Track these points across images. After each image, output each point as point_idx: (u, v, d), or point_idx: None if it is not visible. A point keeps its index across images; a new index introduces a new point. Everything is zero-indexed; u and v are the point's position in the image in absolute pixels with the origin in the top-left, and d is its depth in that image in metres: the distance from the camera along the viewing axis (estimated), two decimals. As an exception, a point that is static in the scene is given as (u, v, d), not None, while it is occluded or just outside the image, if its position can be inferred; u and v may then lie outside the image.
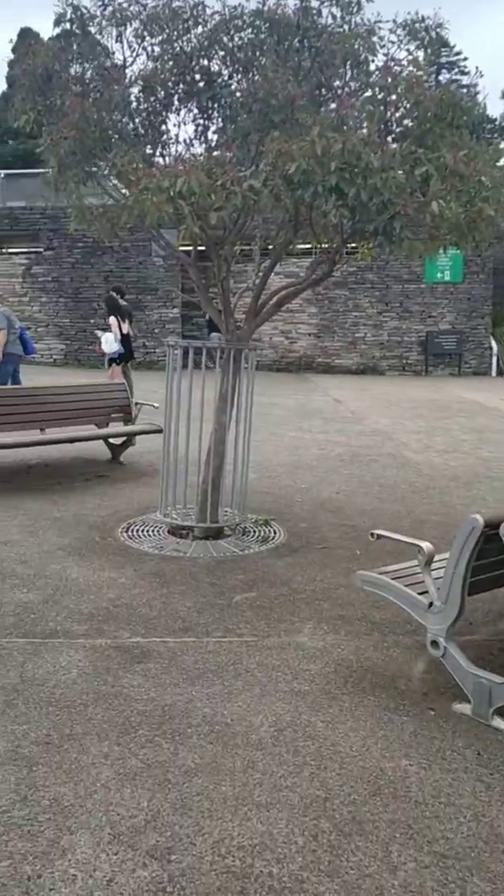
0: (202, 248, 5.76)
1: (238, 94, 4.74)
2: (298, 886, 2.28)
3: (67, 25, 4.81)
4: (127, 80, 4.92)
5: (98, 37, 4.91)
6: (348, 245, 5.46)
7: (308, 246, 7.86)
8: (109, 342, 12.61)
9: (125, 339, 12.88)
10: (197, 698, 3.36)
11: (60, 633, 3.98)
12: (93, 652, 3.78)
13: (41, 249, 20.64)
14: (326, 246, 5.61)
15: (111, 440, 8.26)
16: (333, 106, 5.10)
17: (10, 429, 7.34)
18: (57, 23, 4.86)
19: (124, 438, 8.20)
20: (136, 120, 5.10)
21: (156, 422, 8.14)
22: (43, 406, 7.70)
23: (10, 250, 22.06)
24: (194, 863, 2.35)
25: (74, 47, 5.15)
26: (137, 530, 5.81)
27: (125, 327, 12.98)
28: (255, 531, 5.88)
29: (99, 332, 13.30)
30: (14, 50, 40.18)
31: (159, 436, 8.03)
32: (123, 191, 5.42)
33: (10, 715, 3.15)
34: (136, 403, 8.19)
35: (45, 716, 3.16)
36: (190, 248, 5.96)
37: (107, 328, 12.96)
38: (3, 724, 3.08)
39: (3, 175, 21.55)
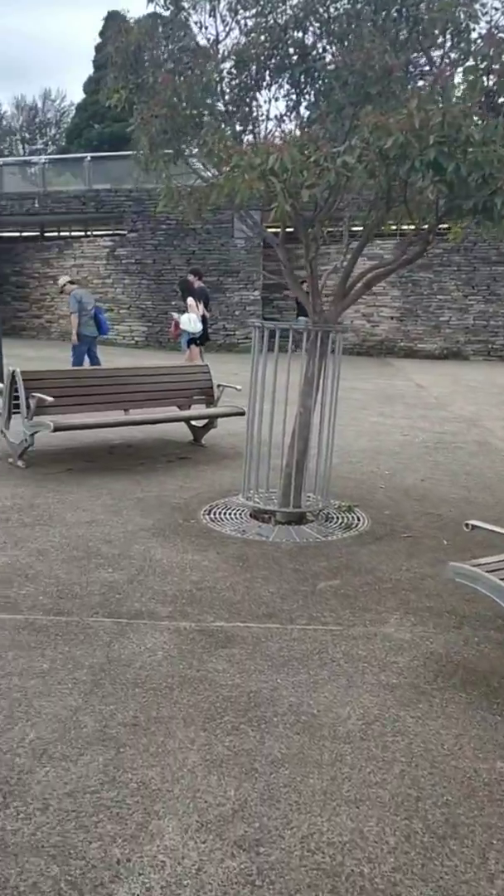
0: (290, 228, 5.66)
1: (333, 66, 4.58)
2: (391, 889, 2.19)
3: (161, 1, 4.76)
4: (219, 56, 4.83)
5: (192, 12, 4.84)
6: (442, 224, 5.26)
7: (394, 228, 7.63)
8: (193, 321, 12.66)
9: (202, 322, 12.92)
10: (282, 686, 3.30)
11: (145, 614, 3.99)
12: (177, 634, 3.76)
13: (125, 232, 20.84)
14: (416, 226, 5.42)
15: (193, 422, 8.26)
16: (423, 82, 4.91)
17: (94, 409, 7.42)
18: (150, -1, 4.80)
19: (206, 421, 8.19)
20: (227, 96, 5.01)
21: (238, 404, 8.11)
22: (126, 387, 7.75)
23: (96, 233, 22.40)
24: (283, 857, 2.30)
25: (160, 29, 5.10)
26: (220, 513, 5.79)
27: (201, 309, 13.01)
28: (338, 517, 5.78)
29: (175, 314, 13.36)
30: (102, 33, 40.69)
31: (241, 418, 8.00)
32: (212, 170, 5.37)
33: (98, 695, 3.17)
34: (219, 386, 8.16)
35: (131, 697, 3.16)
36: (277, 229, 5.86)
37: (183, 310, 13.01)
38: (91, 704, 3.09)
39: (89, 158, 21.78)
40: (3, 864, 2.22)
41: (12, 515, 5.56)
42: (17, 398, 6.99)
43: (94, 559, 4.76)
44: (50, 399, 6.68)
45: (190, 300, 13.01)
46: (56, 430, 6.70)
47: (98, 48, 40.90)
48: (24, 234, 24.15)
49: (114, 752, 2.78)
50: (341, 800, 2.57)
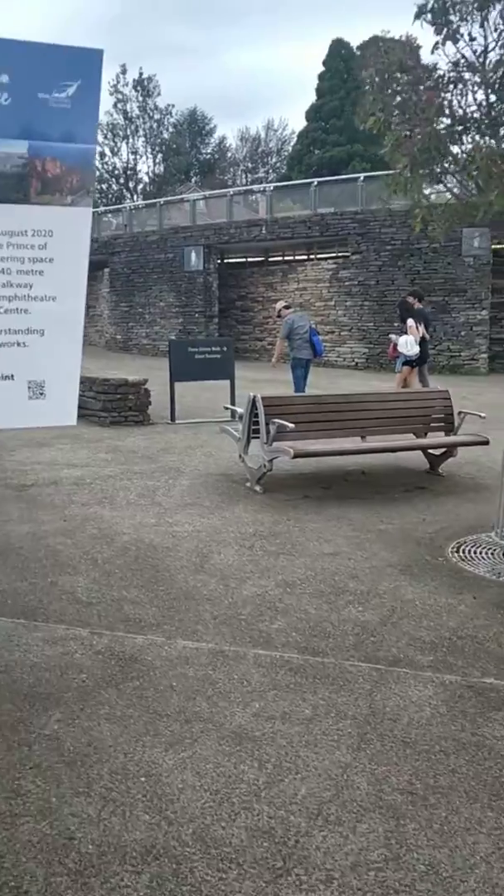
0: None
1: None
2: None
3: (428, 17, 4.56)
4: (489, 66, 4.54)
5: (461, 24, 4.59)
6: None
7: None
8: (410, 344, 12.31)
9: (421, 343, 12.51)
10: None
11: (404, 662, 3.74)
12: (443, 689, 3.47)
13: (349, 253, 20.88)
14: None
15: (430, 450, 7.91)
16: None
17: (333, 435, 7.33)
18: (417, 15, 4.60)
19: (444, 449, 7.80)
20: (494, 108, 4.70)
21: (477, 431, 7.65)
22: (363, 413, 7.58)
23: (319, 256, 22.70)
24: None
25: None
26: (470, 551, 5.40)
27: (421, 330, 12.59)
28: None
29: (393, 336, 13.04)
30: (325, 62, 41.51)
31: (481, 447, 7.55)
32: (470, 186, 5.07)
33: (367, 752, 2.96)
34: (460, 413, 7.74)
35: (403, 759, 2.92)
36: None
37: (404, 331, 12.66)
38: (361, 762, 2.89)
39: (316, 183, 22.15)
40: (292, 942, 2.07)
41: (256, 543, 5.56)
42: (255, 423, 7.07)
43: (342, 595, 4.59)
44: (291, 426, 6.66)
45: (410, 322, 12.64)
46: (296, 456, 6.67)
47: (321, 77, 41.83)
48: (250, 259, 25.07)
49: (393, 824, 2.55)
50: None
